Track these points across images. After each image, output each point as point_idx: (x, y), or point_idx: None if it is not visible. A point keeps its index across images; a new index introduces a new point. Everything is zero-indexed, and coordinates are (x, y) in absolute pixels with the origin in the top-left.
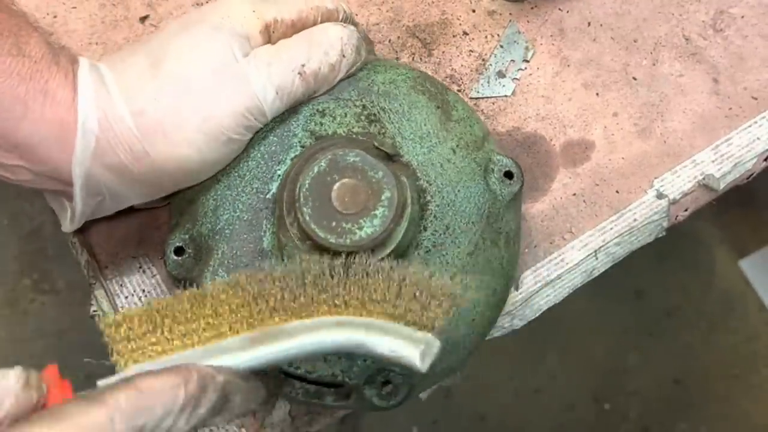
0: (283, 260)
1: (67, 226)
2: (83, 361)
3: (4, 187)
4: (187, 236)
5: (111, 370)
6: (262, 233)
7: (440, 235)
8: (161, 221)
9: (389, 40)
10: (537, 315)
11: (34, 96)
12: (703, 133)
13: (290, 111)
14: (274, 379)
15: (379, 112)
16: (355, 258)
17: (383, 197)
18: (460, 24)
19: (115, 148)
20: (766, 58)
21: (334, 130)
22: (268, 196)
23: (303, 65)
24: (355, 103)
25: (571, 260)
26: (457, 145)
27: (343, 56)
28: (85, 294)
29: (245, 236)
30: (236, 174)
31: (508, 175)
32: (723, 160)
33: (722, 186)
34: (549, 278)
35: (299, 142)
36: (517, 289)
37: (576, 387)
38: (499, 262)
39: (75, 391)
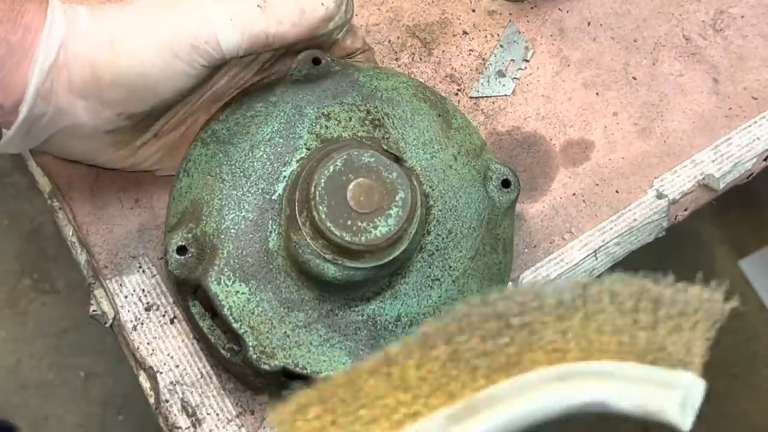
0: (289, 261)
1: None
2: (82, 361)
3: (4, 187)
4: (190, 235)
5: (111, 371)
6: (268, 233)
7: (443, 239)
8: (161, 221)
9: (389, 40)
10: None
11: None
12: (703, 133)
13: (296, 113)
14: (277, 382)
15: (383, 118)
16: (577, 282)
17: (397, 197)
18: (460, 24)
19: (69, 59)
20: (766, 58)
21: (340, 134)
22: (273, 197)
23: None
24: (359, 107)
25: (571, 260)
26: (458, 153)
27: (321, 3)
28: (85, 294)
29: (251, 236)
30: (241, 174)
31: (506, 183)
32: (723, 160)
33: (722, 186)
34: (549, 278)
35: (305, 144)
36: None
37: None
38: (497, 268)
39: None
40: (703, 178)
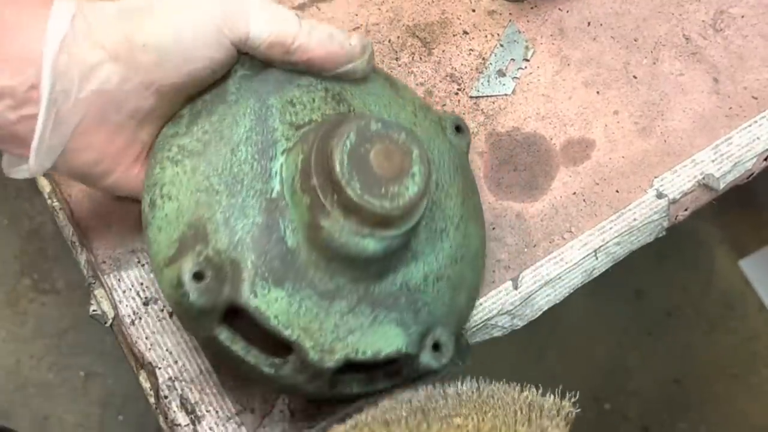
0: (315, 252)
1: (33, 152)
2: (83, 361)
3: (4, 187)
4: (201, 258)
5: (111, 371)
6: (282, 233)
7: (434, 192)
8: None
9: (389, 40)
10: (537, 315)
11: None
12: (703, 133)
13: (261, 106)
14: (328, 382)
15: (341, 92)
16: (468, 385)
17: (414, 155)
18: (460, 23)
19: (90, 21)
20: (766, 58)
21: (310, 117)
22: (273, 195)
23: (299, 15)
24: (316, 87)
25: (571, 260)
26: (415, 109)
27: (350, 44)
28: (85, 294)
29: (267, 240)
30: (233, 180)
31: (459, 129)
32: (723, 160)
33: (722, 186)
34: (549, 278)
35: (282, 135)
36: (516, 288)
37: (576, 387)
38: (479, 207)
39: None
40: (703, 178)
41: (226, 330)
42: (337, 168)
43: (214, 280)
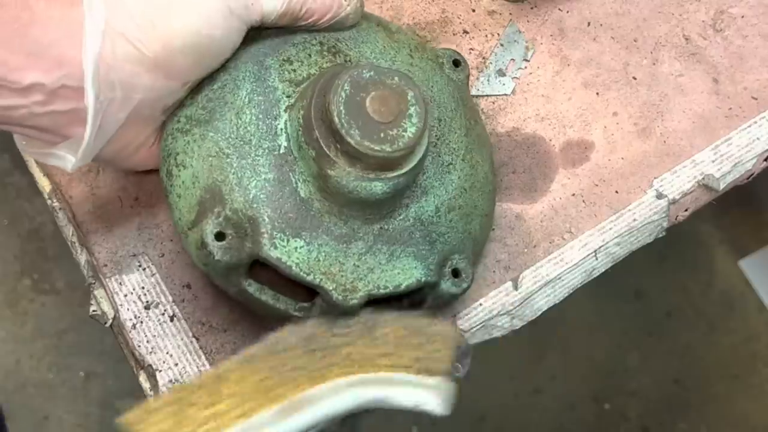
0: (328, 200)
1: (79, 156)
2: (82, 361)
3: (4, 187)
4: (221, 219)
5: (111, 371)
6: (294, 185)
7: (437, 128)
8: (161, 219)
9: None
10: (537, 315)
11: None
12: (703, 133)
13: (259, 68)
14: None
15: (336, 44)
16: (358, 317)
17: (409, 97)
18: (461, 23)
19: (123, 29)
20: (766, 58)
21: (308, 72)
22: (281, 151)
23: None
24: (310, 42)
25: (571, 260)
26: (411, 50)
27: None
28: (85, 294)
29: (280, 194)
30: (241, 142)
31: (456, 63)
32: (723, 160)
33: (722, 186)
34: (549, 278)
35: (283, 93)
36: (517, 288)
37: (576, 387)
38: (484, 136)
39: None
40: (703, 178)
41: (254, 282)
42: (336, 119)
43: (235, 238)
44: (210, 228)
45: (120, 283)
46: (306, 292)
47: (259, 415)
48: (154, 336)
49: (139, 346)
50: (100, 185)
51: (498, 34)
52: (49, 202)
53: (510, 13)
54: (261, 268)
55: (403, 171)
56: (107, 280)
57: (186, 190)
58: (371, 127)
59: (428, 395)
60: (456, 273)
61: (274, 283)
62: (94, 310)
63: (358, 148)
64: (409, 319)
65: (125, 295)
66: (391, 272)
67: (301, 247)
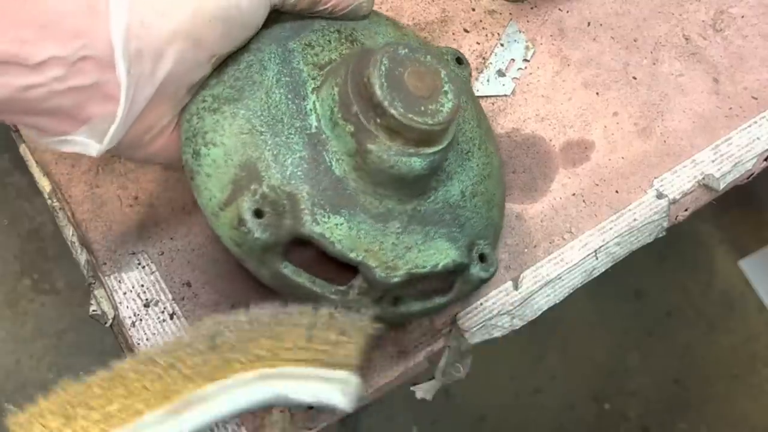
0: (363, 179)
1: (110, 134)
2: (82, 361)
3: (4, 187)
4: (257, 197)
5: None
6: (329, 164)
7: None
8: (160, 218)
9: None
10: (537, 315)
11: None
12: (703, 133)
13: (284, 50)
14: (392, 302)
15: (352, 32)
16: (260, 311)
17: (442, 74)
18: (461, 22)
19: (154, 6)
20: (766, 58)
21: (330, 57)
22: (312, 131)
23: None
24: (328, 29)
25: (571, 260)
26: (419, 44)
27: None
28: (85, 294)
29: (316, 171)
30: (273, 120)
31: (459, 61)
32: (723, 160)
33: (722, 186)
34: (549, 278)
35: (309, 75)
36: (517, 288)
37: (576, 387)
38: (491, 129)
39: None
40: (703, 178)
41: (290, 264)
42: (378, 92)
43: (273, 215)
44: (247, 205)
45: (119, 281)
46: (338, 276)
47: (151, 414)
48: (154, 334)
49: (139, 344)
50: (100, 185)
51: (498, 33)
52: (49, 202)
53: (510, 13)
54: (293, 251)
55: (440, 147)
56: (106, 278)
57: (217, 169)
58: (412, 101)
59: (332, 389)
60: (483, 258)
61: (306, 267)
62: (94, 310)
63: (401, 119)
64: (314, 312)
65: (124, 293)
66: (427, 252)
67: (341, 224)
